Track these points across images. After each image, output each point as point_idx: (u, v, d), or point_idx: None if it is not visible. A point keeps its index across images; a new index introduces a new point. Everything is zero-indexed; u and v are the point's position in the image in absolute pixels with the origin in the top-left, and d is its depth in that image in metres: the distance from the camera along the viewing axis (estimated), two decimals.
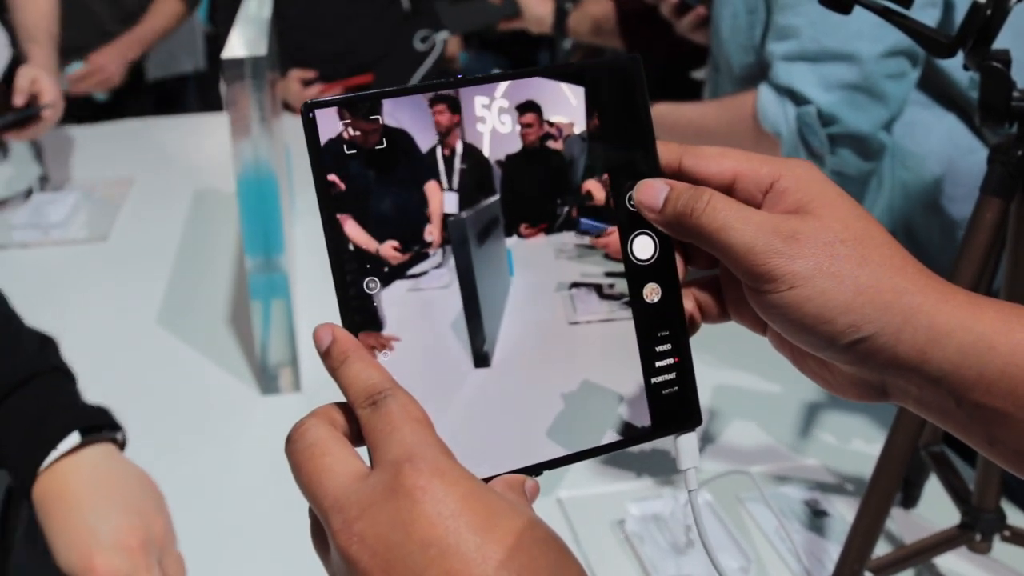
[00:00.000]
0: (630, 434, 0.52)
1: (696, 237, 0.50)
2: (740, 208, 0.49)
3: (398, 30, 2.94)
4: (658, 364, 0.53)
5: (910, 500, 1.14)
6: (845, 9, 0.89)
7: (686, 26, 1.77)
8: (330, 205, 0.49)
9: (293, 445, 0.48)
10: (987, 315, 0.47)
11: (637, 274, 0.53)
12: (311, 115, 0.48)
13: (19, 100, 2.02)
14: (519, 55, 3.43)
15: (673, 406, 0.53)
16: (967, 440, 0.49)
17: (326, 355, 0.49)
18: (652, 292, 0.53)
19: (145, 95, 3.22)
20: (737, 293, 0.52)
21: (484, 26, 2.46)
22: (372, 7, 2.91)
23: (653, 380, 0.53)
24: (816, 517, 1.12)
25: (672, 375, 0.53)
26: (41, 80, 2.05)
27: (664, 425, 0.53)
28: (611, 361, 0.52)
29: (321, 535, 0.47)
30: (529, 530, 0.43)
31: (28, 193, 2.11)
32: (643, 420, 0.52)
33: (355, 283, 0.49)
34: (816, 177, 0.50)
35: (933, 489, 1.12)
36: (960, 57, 0.88)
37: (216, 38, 2.85)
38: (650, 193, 0.51)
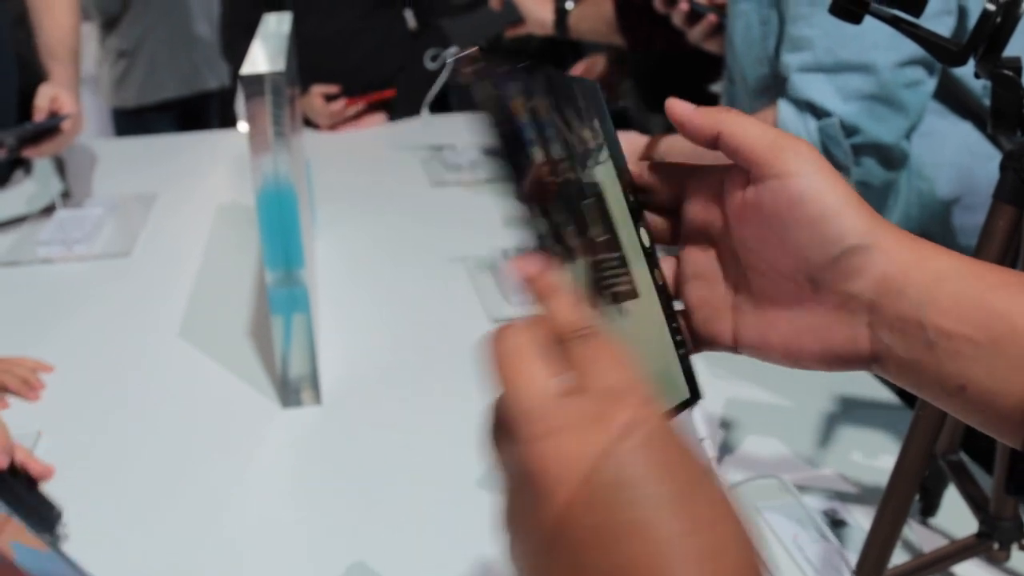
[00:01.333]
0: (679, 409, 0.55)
1: (721, 135, 0.53)
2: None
3: (409, 45, 2.96)
4: (677, 338, 0.55)
5: (929, 509, 1.14)
6: (855, 19, 0.89)
7: (698, 34, 1.77)
8: None
9: (498, 343, 0.47)
10: (944, 253, 0.50)
11: (648, 260, 0.56)
12: None
13: (39, 117, 2.03)
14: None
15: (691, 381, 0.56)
16: (939, 395, 0.50)
17: (532, 281, 0.48)
18: (659, 276, 0.56)
19: (168, 112, 3.26)
20: (708, 312, 0.56)
21: (491, 36, 2.46)
22: (382, 23, 2.93)
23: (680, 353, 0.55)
24: (835, 527, 1.12)
25: (684, 350, 0.56)
26: (61, 97, 2.06)
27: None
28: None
29: (502, 430, 0.46)
30: (723, 503, 0.41)
31: (51, 209, 2.13)
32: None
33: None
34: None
35: (953, 498, 1.12)
36: (973, 65, 0.88)
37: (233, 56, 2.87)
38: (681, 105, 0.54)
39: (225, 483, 1.23)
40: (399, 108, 2.94)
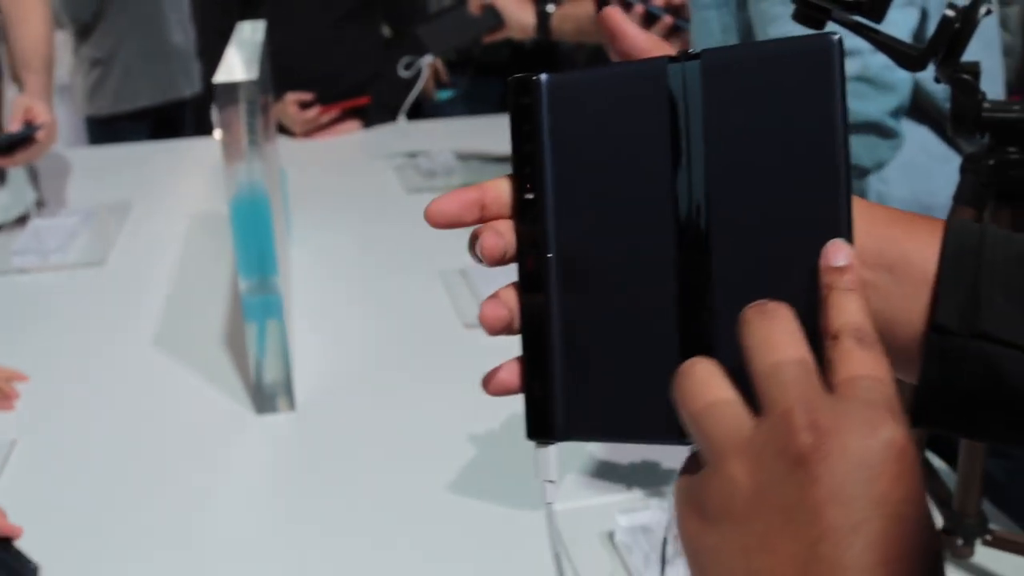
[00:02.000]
0: None
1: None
2: None
3: (384, 53, 2.97)
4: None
5: None
6: (818, 25, 0.91)
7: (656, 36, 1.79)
8: None
9: (684, 379, 0.46)
10: None
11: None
12: None
13: (13, 127, 2.03)
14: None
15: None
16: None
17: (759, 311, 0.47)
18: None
19: (142, 120, 3.25)
20: None
21: (468, 42, 2.46)
22: (357, 30, 2.94)
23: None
24: None
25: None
26: (35, 107, 2.06)
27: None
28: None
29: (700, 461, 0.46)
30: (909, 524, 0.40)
31: (25, 218, 2.13)
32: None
33: None
34: None
35: None
36: (932, 69, 0.90)
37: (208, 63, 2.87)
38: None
39: (200, 490, 1.24)
40: (373, 115, 2.95)
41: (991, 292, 0.49)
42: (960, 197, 0.90)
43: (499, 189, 0.54)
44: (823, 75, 0.46)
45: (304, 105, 2.82)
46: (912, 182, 1.44)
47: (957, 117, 0.89)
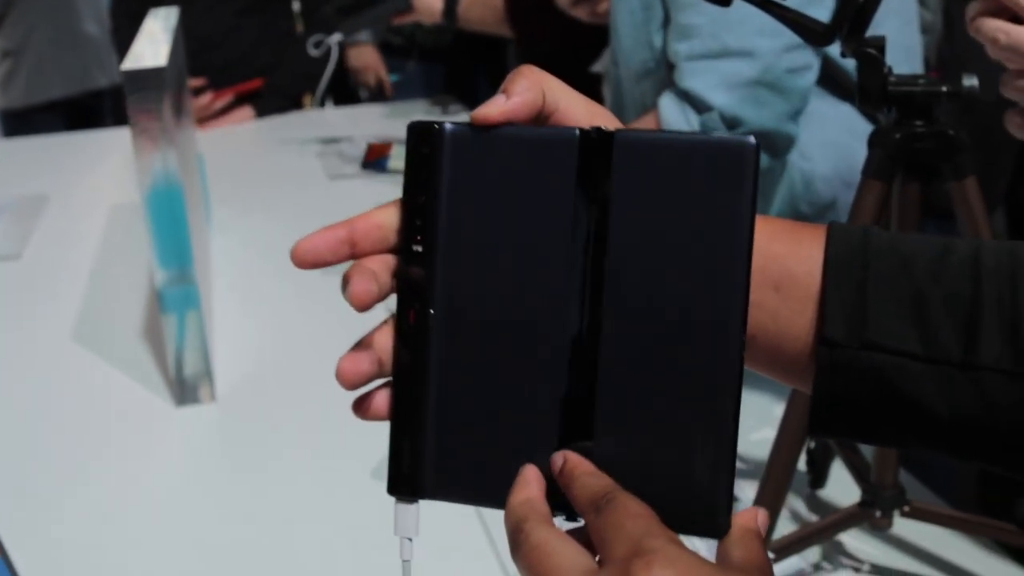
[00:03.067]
0: None
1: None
2: None
3: (291, 39, 2.93)
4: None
5: (817, 481, 1.16)
6: (724, 2, 0.91)
7: (565, 1, 1.78)
8: None
9: (519, 549, 0.46)
10: None
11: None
12: None
13: None
14: (463, 66, 3.38)
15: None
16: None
17: (559, 475, 0.48)
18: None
19: (57, 111, 3.20)
20: None
21: (376, 24, 2.44)
22: (260, 17, 2.90)
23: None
24: None
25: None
26: None
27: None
28: None
29: None
30: None
31: None
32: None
33: None
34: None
35: (842, 471, 1.14)
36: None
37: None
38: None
39: (120, 483, 1.22)
40: (268, 102, 2.88)
41: (876, 301, 0.49)
42: (868, 171, 0.90)
43: (371, 223, 0.51)
44: (736, 178, 0.45)
45: (197, 91, 2.76)
46: (835, 160, 1.45)
47: (864, 91, 0.89)
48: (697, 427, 0.46)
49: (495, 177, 0.48)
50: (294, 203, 2.18)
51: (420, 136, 0.49)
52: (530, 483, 0.48)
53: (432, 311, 0.50)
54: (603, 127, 0.47)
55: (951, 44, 1.83)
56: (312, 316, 1.65)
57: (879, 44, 0.88)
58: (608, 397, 0.47)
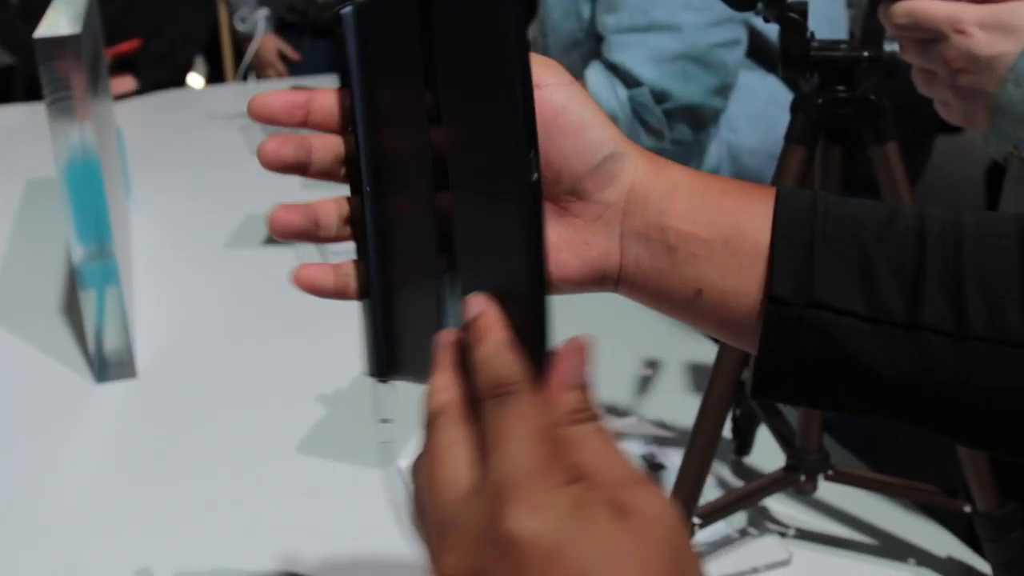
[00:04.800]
0: None
1: None
2: None
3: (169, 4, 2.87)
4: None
5: (743, 448, 1.17)
6: None
7: None
8: None
9: (425, 443, 0.45)
10: (676, 166, 0.54)
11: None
12: None
13: None
14: None
15: None
16: (680, 304, 0.53)
17: (468, 327, 0.45)
18: None
19: None
20: None
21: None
22: None
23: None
24: (653, 470, 1.15)
25: None
26: None
27: None
28: None
29: (421, 517, 0.46)
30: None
31: None
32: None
33: None
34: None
35: (767, 437, 1.15)
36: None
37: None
38: None
39: (41, 462, 1.19)
40: (146, 69, 2.81)
41: (824, 260, 0.50)
42: (791, 136, 0.91)
43: (329, 100, 0.54)
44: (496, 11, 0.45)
45: None
46: (761, 132, 1.46)
47: (786, 56, 0.89)
48: (513, 268, 0.45)
49: (378, 38, 0.52)
50: (215, 178, 2.15)
51: (335, 21, 0.53)
52: (445, 363, 0.46)
53: (368, 188, 0.53)
54: None
55: (875, 18, 1.85)
56: (231, 292, 1.62)
57: (801, 9, 0.88)
58: (461, 245, 0.49)
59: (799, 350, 0.50)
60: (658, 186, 0.52)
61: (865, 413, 0.53)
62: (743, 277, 0.51)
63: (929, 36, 0.82)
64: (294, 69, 3.18)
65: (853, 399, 0.52)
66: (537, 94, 0.46)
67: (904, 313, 0.49)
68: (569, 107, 0.51)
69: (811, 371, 0.51)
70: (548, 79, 0.51)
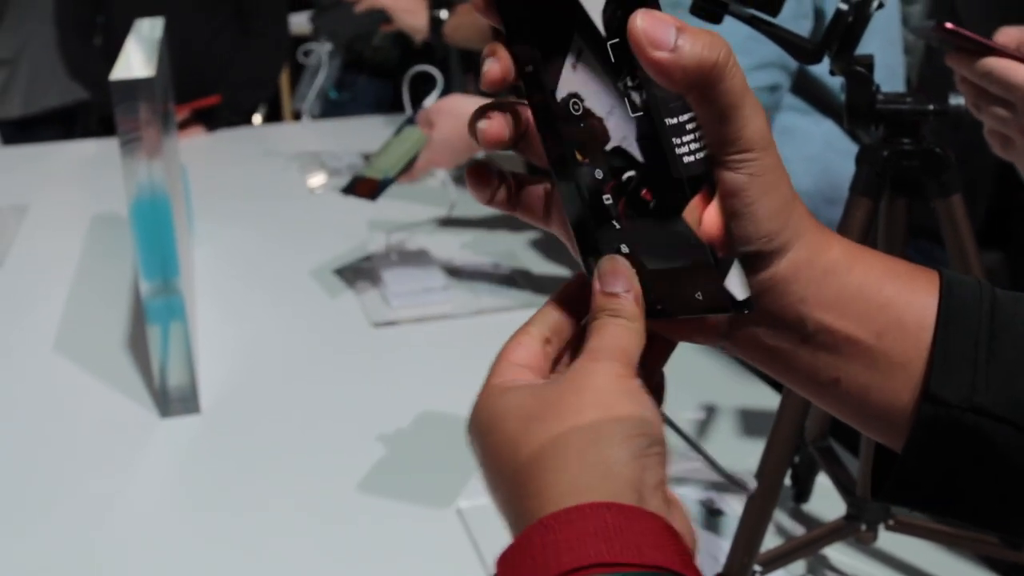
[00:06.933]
0: None
1: (709, 92, 0.45)
2: None
3: (239, 44, 2.92)
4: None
5: (802, 495, 1.17)
6: (715, 19, 0.92)
7: None
8: None
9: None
10: (837, 244, 0.49)
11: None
12: None
13: None
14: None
15: None
16: (808, 385, 0.51)
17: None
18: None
19: (55, 121, 3.18)
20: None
21: (364, 32, 2.45)
22: (210, 21, 2.90)
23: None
24: (712, 516, 1.15)
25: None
26: None
27: None
28: None
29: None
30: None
31: None
32: None
33: None
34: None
35: (826, 484, 1.15)
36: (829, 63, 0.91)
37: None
38: (659, 26, 0.44)
39: (104, 496, 1.21)
40: (220, 117, 2.86)
41: (990, 364, 0.47)
42: (856, 187, 0.91)
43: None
44: None
45: None
46: (816, 176, 1.46)
47: (852, 109, 0.90)
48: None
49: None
50: (276, 214, 2.18)
51: None
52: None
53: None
54: None
55: (931, 65, 1.85)
56: (294, 327, 1.65)
57: (867, 63, 0.89)
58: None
59: (952, 455, 0.47)
60: (805, 275, 0.48)
61: (1007, 529, 0.50)
62: (895, 373, 0.48)
63: (1005, 96, 0.82)
64: (346, 108, 3.20)
65: (1004, 512, 0.49)
66: (722, 170, 0.46)
67: None
68: (733, 195, 0.47)
69: (960, 479, 0.48)
70: (735, 166, 0.46)
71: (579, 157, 0.50)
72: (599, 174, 0.50)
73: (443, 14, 2.22)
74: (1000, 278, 1.54)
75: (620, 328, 0.49)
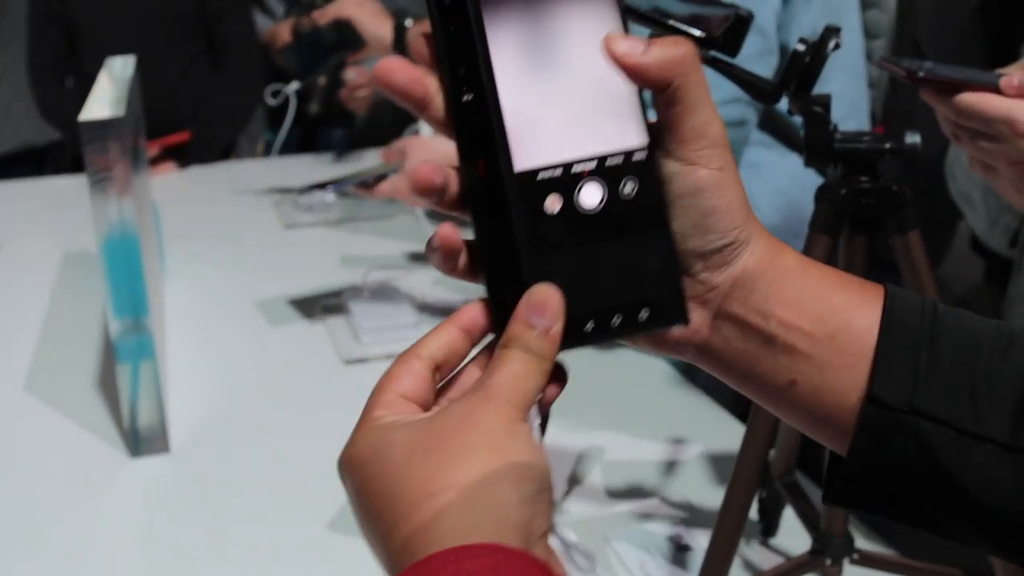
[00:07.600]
0: None
1: (683, 83, 0.49)
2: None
3: (209, 81, 2.93)
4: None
5: (769, 529, 1.18)
6: None
7: None
8: None
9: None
10: (790, 252, 0.53)
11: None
12: None
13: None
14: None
15: None
16: (767, 390, 0.52)
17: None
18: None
19: (28, 159, 3.17)
20: None
21: (331, 66, 2.45)
22: (179, 59, 2.90)
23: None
24: (679, 551, 1.15)
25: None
26: None
27: None
28: None
29: None
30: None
31: None
32: None
33: None
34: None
35: (793, 519, 1.16)
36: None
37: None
38: (630, 41, 0.48)
39: (73, 536, 1.21)
40: (192, 154, 2.85)
41: (931, 367, 0.49)
42: (815, 225, 0.93)
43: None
44: None
45: None
46: (784, 210, 1.48)
47: (810, 148, 0.92)
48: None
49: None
50: (248, 251, 2.18)
51: None
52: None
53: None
54: None
55: (896, 98, 1.87)
56: (265, 365, 1.65)
57: (824, 102, 0.90)
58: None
59: (893, 456, 0.49)
60: (768, 273, 0.51)
61: (948, 534, 0.51)
62: (843, 375, 0.50)
63: (985, 130, 0.84)
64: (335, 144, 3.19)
65: (940, 516, 0.50)
66: (688, 169, 0.50)
67: (1008, 434, 0.47)
68: (707, 191, 0.50)
69: (901, 480, 0.49)
70: (706, 161, 0.50)
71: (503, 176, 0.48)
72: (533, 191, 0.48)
73: (408, 22, 2.21)
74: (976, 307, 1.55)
75: (525, 367, 0.48)
